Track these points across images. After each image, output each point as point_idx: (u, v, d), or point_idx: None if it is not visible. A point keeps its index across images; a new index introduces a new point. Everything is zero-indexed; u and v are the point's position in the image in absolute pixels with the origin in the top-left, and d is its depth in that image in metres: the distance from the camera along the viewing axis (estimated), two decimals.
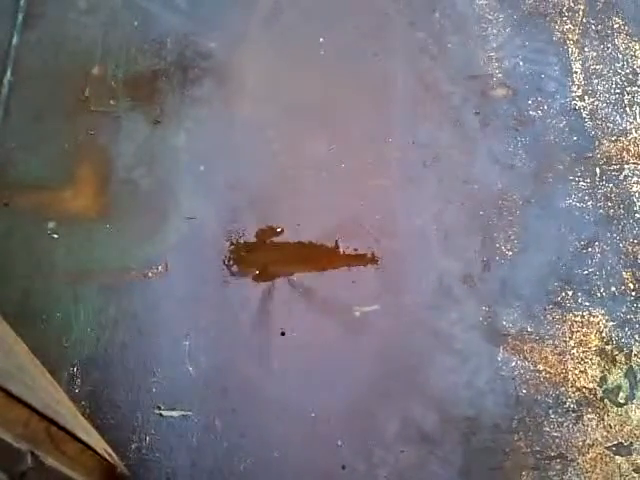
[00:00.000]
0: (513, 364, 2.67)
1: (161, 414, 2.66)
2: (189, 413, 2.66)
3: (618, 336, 2.70)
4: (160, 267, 2.89)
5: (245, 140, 3.09)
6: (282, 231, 2.92)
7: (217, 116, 3.16)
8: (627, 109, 3.07)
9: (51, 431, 1.52)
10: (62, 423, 1.55)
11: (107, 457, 1.91)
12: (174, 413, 2.66)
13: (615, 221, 2.87)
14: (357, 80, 3.20)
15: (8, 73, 3.26)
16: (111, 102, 3.21)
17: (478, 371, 2.67)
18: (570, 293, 2.77)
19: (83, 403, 2.68)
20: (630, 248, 2.83)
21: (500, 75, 3.17)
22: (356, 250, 2.88)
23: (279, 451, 2.59)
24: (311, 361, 2.72)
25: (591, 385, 2.64)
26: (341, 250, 2.88)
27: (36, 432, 1.48)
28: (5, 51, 3.30)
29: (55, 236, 2.96)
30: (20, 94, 3.24)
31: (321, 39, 3.27)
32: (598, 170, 2.96)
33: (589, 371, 2.66)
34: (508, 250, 2.84)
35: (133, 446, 2.61)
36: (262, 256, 2.89)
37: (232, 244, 2.91)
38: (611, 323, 2.72)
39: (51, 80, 3.26)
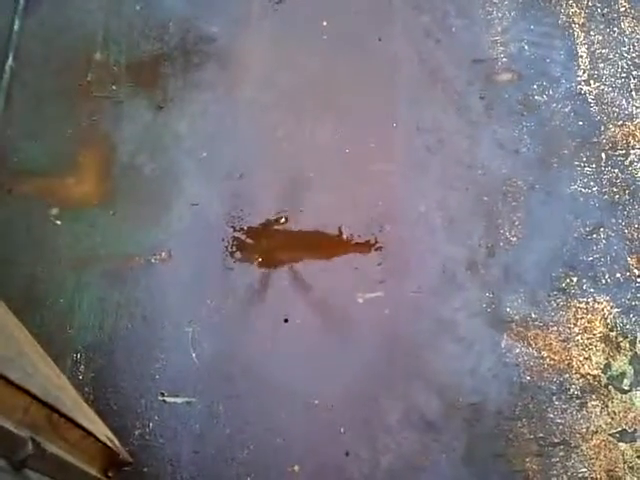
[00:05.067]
0: (517, 351, 2.66)
1: (164, 400, 2.66)
2: (193, 399, 2.66)
3: (623, 322, 2.68)
4: (163, 253, 2.88)
5: (248, 125, 3.08)
6: (285, 217, 2.91)
7: (220, 101, 3.14)
8: (633, 93, 3.04)
9: (52, 418, 1.52)
10: (63, 410, 1.55)
11: (109, 444, 1.90)
12: (178, 399, 2.66)
13: (620, 207, 2.85)
14: (361, 64, 3.17)
15: (10, 59, 3.25)
16: (113, 87, 3.20)
17: (482, 358, 2.66)
18: (575, 279, 2.75)
19: (87, 389, 2.69)
20: (635, 234, 2.80)
21: (505, 59, 3.14)
22: (359, 236, 2.87)
23: (282, 438, 2.59)
24: (314, 348, 2.72)
25: (595, 372, 2.62)
26: (344, 236, 2.87)
27: (37, 419, 1.48)
28: (7, 37, 3.29)
29: (58, 222, 2.96)
30: (22, 80, 3.23)
31: (324, 23, 3.25)
32: (604, 155, 2.94)
33: (593, 358, 2.65)
34: (512, 236, 2.83)
35: (136, 432, 2.62)
36: (265, 243, 2.89)
37: (235, 230, 2.91)
38: (616, 310, 2.70)
39: (53, 66, 3.26)
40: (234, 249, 2.87)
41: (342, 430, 2.59)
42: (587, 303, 2.72)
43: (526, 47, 3.16)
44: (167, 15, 3.31)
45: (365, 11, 3.27)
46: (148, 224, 2.94)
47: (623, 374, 2.62)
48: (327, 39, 3.22)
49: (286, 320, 2.76)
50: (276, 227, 2.90)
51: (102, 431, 1.96)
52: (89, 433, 1.71)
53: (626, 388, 2.60)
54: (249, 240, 2.89)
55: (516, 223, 2.85)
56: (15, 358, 1.54)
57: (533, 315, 2.71)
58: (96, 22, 3.31)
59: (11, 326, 1.90)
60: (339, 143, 3.02)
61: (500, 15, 3.23)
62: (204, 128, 3.09)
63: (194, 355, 2.72)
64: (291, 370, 2.69)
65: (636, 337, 2.66)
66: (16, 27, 3.33)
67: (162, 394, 2.67)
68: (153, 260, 2.87)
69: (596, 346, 2.66)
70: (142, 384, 2.69)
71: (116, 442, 2.05)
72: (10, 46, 3.28)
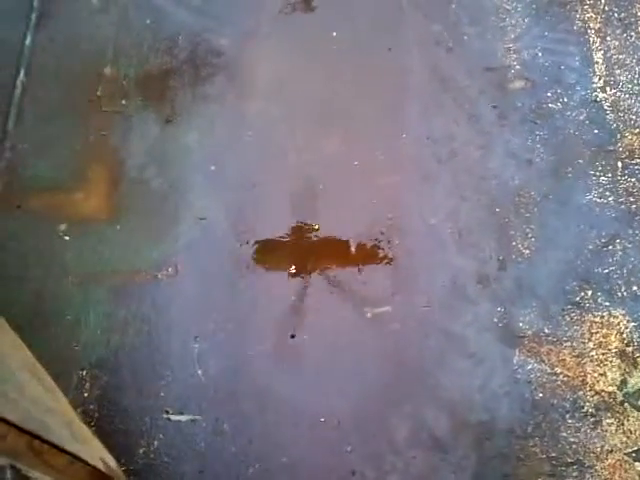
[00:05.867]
0: (529, 367, 2.59)
1: (169, 418, 2.62)
2: (198, 417, 2.62)
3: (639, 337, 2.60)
4: (170, 269, 2.85)
5: (256, 138, 3.05)
6: (293, 231, 2.87)
7: (228, 114, 3.11)
8: None
9: (33, 444, 1.49)
10: (46, 436, 1.52)
11: (101, 467, 1.87)
12: (182, 417, 2.62)
13: (637, 217, 2.77)
14: (371, 75, 3.13)
15: (21, 74, 3.26)
16: (123, 102, 3.18)
17: (493, 374, 2.59)
18: (589, 293, 2.67)
19: (92, 407, 2.66)
20: None
21: (518, 67, 3.07)
22: (368, 249, 2.82)
23: (288, 456, 2.54)
24: (321, 364, 2.67)
25: (611, 388, 2.54)
26: (353, 249, 2.82)
27: (16, 446, 1.45)
28: (18, 52, 3.30)
29: (66, 238, 2.95)
30: (33, 95, 3.23)
31: (334, 33, 3.21)
32: (620, 164, 2.86)
33: (609, 374, 2.56)
34: (525, 248, 2.76)
35: (141, 451, 2.59)
36: (272, 257, 2.85)
37: (242, 245, 2.87)
38: (632, 324, 2.62)
39: (64, 80, 3.25)
40: (241, 264, 2.84)
41: (349, 449, 2.53)
42: (602, 317, 2.63)
43: (540, 54, 3.09)
44: (177, 29, 3.30)
45: (375, 21, 3.23)
46: (155, 239, 2.91)
47: None
48: (336, 50, 3.18)
49: (293, 336, 2.71)
50: (283, 241, 2.86)
51: (97, 453, 1.93)
52: (77, 458, 1.68)
53: None
54: (256, 254, 2.85)
55: (529, 235, 2.77)
56: None
57: (546, 330, 2.63)
58: (106, 37, 3.31)
59: (3, 347, 1.88)
60: (348, 155, 2.98)
61: (513, 22, 3.16)
62: (212, 141, 3.07)
63: (200, 372, 2.68)
64: (297, 387, 2.64)
65: None
66: (28, 42, 3.33)
67: (167, 412, 2.63)
68: (160, 275, 2.85)
69: (611, 362, 2.57)
70: (147, 402, 2.66)
71: (112, 464, 2.02)
72: (22, 61, 3.29)
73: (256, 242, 2.87)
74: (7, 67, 3.27)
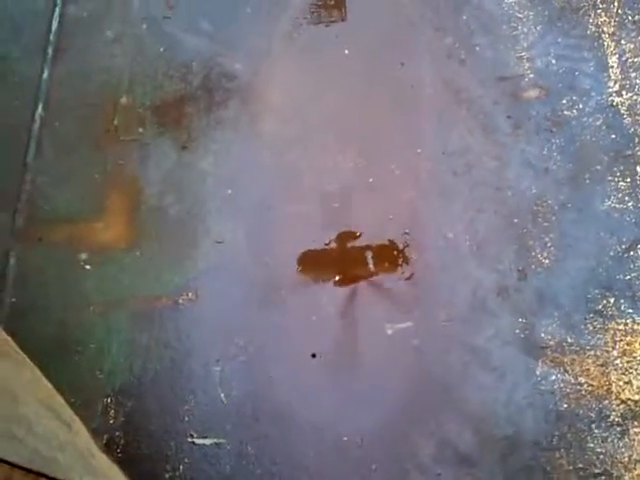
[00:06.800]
0: (553, 378, 2.55)
1: (194, 442, 2.63)
2: (222, 441, 2.62)
3: None
4: (190, 294, 2.87)
5: (271, 160, 3.06)
6: (311, 251, 2.86)
7: (243, 137, 3.13)
8: None
9: None
10: (53, 473, 1.52)
11: None
12: (207, 441, 2.62)
13: None
14: (384, 92, 3.12)
15: (39, 108, 3.32)
16: (139, 130, 3.22)
17: (516, 386, 2.55)
18: (612, 300, 2.62)
19: (117, 434, 2.68)
20: None
21: (532, 75, 3.04)
22: (387, 266, 2.80)
23: (312, 477, 2.53)
24: (342, 383, 2.65)
25: (637, 397, 2.49)
26: (371, 267, 2.81)
27: None
28: (36, 86, 3.36)
29: (87, 267, 2.98)
30: (51, 128, 3.29)
31: (346, 51, 3.22)
32: (638, 168, 2.81)
33: (634, 382, 2.51)
34: (544, 258, 2.72)
35: (167, 476, 2.59)
36: (291, 278, 2.84)
37: (260, 267, 2.87)
38: None
39: (81, 112, 3.30)
40: (259, 286, 2.84)
41: (373, 467, 2.51)
42: (626, 324, 2.58)
43: (554, 61, 3.06)
44: (190, 55, 3.33)
45: (387, 36, 3.22)
46: (175, 264, 2.94)
47: None
48: (349, 68, 3.18)
49: (314, 355, 2.71)
50: (301, 262, 2.86)
51: None
52: None
53: None
54: (274, 277, 2.85)
55: (548, 244, 2.74)
56: (2, 424, 1.52)
57: (569, 340, 2.59)
58: (121, 67, 3.35)
59: (18, 384, 1.89)
60: (363, 173, 2.97)
61: (526, 30, 3.14)
62: (228, 165, 3.08)
63: (222, 395, 2.69)
64: (319, 407, 2.63)
65: None
66: (45, 76, 3.39)
67: (191, 436, 2.64)
68: (180, 300, 2.86)
69: (636, 369, 2.52)
70: (171, 426, 2.67)
71: None
72: (40, 95, 3.35)
73: (273, 264, 2.87)
74: (26, 101, 3.33)
